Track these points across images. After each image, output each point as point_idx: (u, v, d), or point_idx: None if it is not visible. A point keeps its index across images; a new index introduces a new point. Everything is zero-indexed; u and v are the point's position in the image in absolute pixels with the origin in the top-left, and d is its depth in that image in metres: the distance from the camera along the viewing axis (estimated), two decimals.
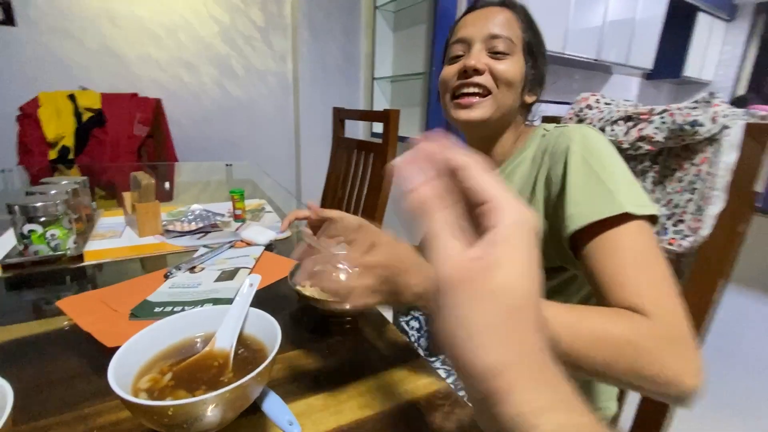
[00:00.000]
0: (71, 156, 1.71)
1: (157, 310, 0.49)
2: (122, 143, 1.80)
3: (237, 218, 0.88)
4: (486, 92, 0.58)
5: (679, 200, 0.70)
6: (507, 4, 0.60)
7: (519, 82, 0.59)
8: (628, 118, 0.76)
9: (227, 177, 1.68)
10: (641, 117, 0.74)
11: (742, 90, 4.13)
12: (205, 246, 0.72)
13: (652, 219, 0.45)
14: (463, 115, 0.59)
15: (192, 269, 0.61)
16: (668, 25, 3.36)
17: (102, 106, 1.76)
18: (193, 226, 0.80)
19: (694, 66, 3.77)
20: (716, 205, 0.67)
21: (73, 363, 0.41)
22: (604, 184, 0.45)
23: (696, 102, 0.69)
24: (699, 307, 0.65)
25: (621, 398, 0.72)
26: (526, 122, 0.67)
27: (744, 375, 0.95)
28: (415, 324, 0.85)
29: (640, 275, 0.40)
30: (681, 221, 0.70)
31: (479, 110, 0.58)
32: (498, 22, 0.58)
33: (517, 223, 0.18)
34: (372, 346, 0.49)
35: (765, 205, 0.83)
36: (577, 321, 0.36)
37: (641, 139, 0.72)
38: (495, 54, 0.57)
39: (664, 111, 0.70)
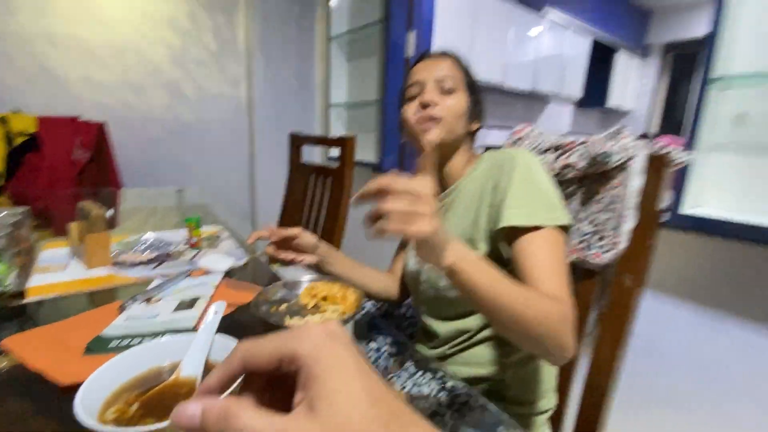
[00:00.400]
0: (1, 183, 1.58)
1: (113, 344, 0.48)
2: (60, 169, 1.69)
3: (193, 246, 0.87)
4: (439, 120, 0.70)
5: (601, 219, 0.81)
6: (448, 54, 0.75)
7: (464, 112, 0.72)
8: (556, 148, 0.86)
9: (178, 203, 1.63)
10: (566, 147, 0.84)
11: (657, 117, 4.69)
12: (160, 276, 0.71)
13: (566, 228, 0.61)
14: (427, 137, 0.70)
15: (148, 300, 0.61)
16: (593, 60, 3.78)
17: (38, 129, 1.66)
18: (146, 256, 0.78)
19: (616, 97, 4.25)
20: (630, 223, 0.78)
21: (24, 404, 0.40)
22: (534, 198, 0.59)
23: (609, 134, 0.80)
24: (622, 313, 0.74)
25: (562, 393, 0.79)
26: (474, 149, 0.80)
27: (666, 370, 1.07)
28: (374, 345, 0.88)
29: (550, 273, 0.55)
30: (603, 237, 0.80)
31: (435, 133, 0.69)
32: (443, 66, 0.72)
33: (312, 355, 0.20)
34: None
35: (675, 222, 0.97)
36: (522, 291, 0.50)
37: (567, 166, 0.82)
38: (444, 91, 0.71)
39: (584, 142, 0.81)
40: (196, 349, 0.38)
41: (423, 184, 0.44)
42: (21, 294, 0.61)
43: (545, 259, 0.56)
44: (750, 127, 0.92)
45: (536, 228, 0.57)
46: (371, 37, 2.05)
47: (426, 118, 0.70)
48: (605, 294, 0.82)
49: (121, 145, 2.03)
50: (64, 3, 1.86)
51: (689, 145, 0.94)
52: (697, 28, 4.15)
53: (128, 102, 2.10)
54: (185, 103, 2.27)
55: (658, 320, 1.07)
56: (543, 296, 0.52)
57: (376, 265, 0.87)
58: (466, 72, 0.75)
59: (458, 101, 0.71)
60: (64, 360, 0.45)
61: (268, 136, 2.48)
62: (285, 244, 0.72)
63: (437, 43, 2.05)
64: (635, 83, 4.58)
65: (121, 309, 0.57)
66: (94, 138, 1.82)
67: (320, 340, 0.22)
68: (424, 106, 0.70)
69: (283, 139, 2.49)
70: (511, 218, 0.58)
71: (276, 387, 0.24)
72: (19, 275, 0.63)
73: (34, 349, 0.47)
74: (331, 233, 1.38)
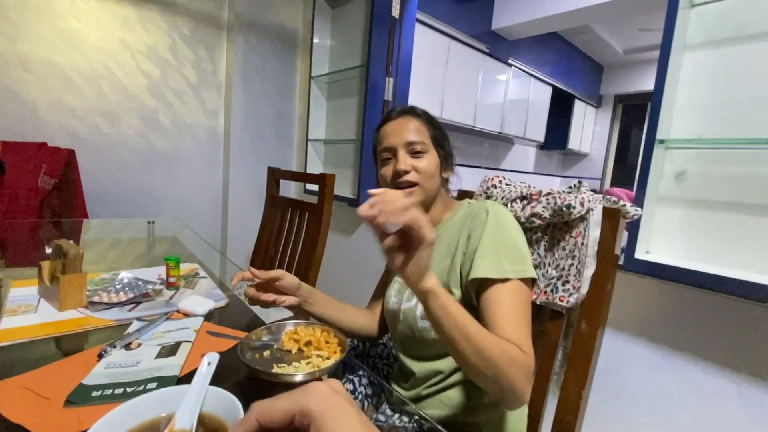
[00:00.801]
0: None
1: (95, 393, 0.48)
2: (21, 197, 1.62)
3: (170, 286, 0.86)
4: (415, 184, 0.75)
5: (565, 264, 0.88)
6: (412, 113, 0.79)
7: (436, 170, 0.77)
8: (523, 198, 0.94)
9: (149, 235, 1.59)
10: (532, 197, 0.92)
11: (611, 160, 5.08)
12: (138, 319, 0.70)
13: (532, 280, 0.67)
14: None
15: (128, 346, 0.60)
16: (553, 107, 4.11)
17: (2, 155, 1.59)
18: (123, 297, 0.76)
19: (575, 140, 4.59)
20: (590, 269, 0.85)
21: None
22: (503, 252, 0.65)
23: (570, 188, 0.89)
24: (586, 351, 0.80)
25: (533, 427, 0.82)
26: (450, 194, 0.87)
27: (624, 405, 1.13)
28: (349, 386, 0.89)
29: (512, 321, 0.60)
30: (567, 281, 0.87)
31: (413, 198, 0.72)
32: (411, 129, 0.76)
33: (321, 410, 0.24)
34: None
35: (630, 267, 1.06)
36: (485, 332, 0.55)
37: (533, 215, 0.90)
38: (414, 154, 0.76)
39: (549, 194, 0.89)
40: (190, 401, 0.39)
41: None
42: None
43: (508, 308, 0.61)
44: (689, 183, 1.04)
45: (503, 280, 0.63)
46: (351, 80, 2.15)
47: (400, 184, 0.75)
48: (569, 335, 0.88)
49: (90, 173, 1.97)
50: (43, 29, 1.84)
51: (638, 198, 1.05)
52: (641, 83, 4.62)
53: (100, 129, 2.06)
54: (160, 132, 2.25)
55: (617, 357, 1.14)
56: (502, 339, 0.56)
57: (351, 300, 0.89)
58: (432, 127, 0.79)
59: (429, 162, 0.76)
60: (44, 412, 0.44)
61: (243, 168, 2.49)
62: (266, 284, 0.73)
63: (413, 88, 2.18)
64: (591, 129, 4.98)
65: (100, 356, 0.56)
66: (62, 165, 1.77)
67: (327, 396, 0.26)
68: (400, 173, 0.74)
69: (258, 171, 2.51)
70: (480, 270, 0.64)
71: None
72: None
73: (11, 401, 0.45)
74: (308, 267, 1.38)
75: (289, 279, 0.76)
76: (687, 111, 1.05)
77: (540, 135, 4.08)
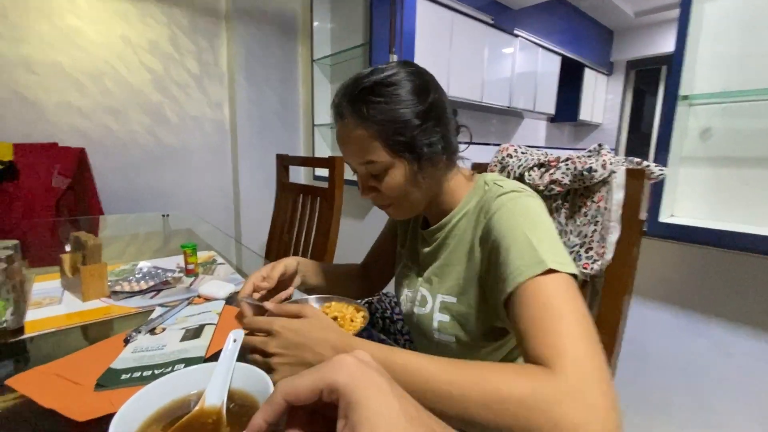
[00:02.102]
0: None
1: (124, 377, 0.48)
2: (38, 197, 1.64)
3: (189, 273, 0.87)
4: (389, 204, 0.63)
5: (587, 231, 0.85)
6: (359, 112, 0.55)
7: (408, 182, 0.58)
8: (540, 165, 0.91)
9: (164, 228, 1.60)
10: (551, 164, 0.89)
11: (624, 129, 4.93)
12: (161, 305, 0.70)
13: (574, 277, 0.47)
14: (388, 215, 0.66)
15: (152, 331, 0.60)
16: (563, 77, 3.98)
17: (15, 157, 1.61)
18: (143, 285, 0.77)
19: (586, 111, 4.46)
20: (614, 234, 0.82)
21: None
22: (531, 245, 0.48)
23: (590, 151, 0.85)
24: (611, 320, 0.78)
25: None
26: (457, 176, 0.66)
27: (654, 373, 1.11)
28: None
29: (550, 326, 0.40)
30: (590, 248, 0.84)
31: (394, 214, 0.65)
32: (357, 145, 0.56)
33: (350, 383, 0.23)
34: None
35: (654, 231, 1.03)
36: (475, 383, 0.37)
37: (552, 182, 0.87)
38: (375, 174, 0.59)
39: (567, 159, 0.86)
40: (218, 378, 0.39)
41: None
42: (20, 330, 0.59)
43: (544, 309, 0.43)
44: (714, 141, 1.00)
45: (541, 274, 0.45)
46: (354, 60, 2.11)
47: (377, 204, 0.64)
48: (594, 304, 0.86)
49: (101, 171, 1.99)
50: (43, 29, 1.84)
51: (661, 159, 1.01)
52: (654, 46, 4.44)
53: (108, 127, 2.07)
54: (167, 126, 2.26)
55: (644, 324, 1.12)
56: (515, 367, 0.39)
57: None
58: (388, 128, 0.55)
59: (393, 180, 0.58)
60: (75, 396, 0.45)
61: (252, 157, 2.48)
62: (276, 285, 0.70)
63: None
64: (603, 98, 4.82)
65: (126, 341, 0.57)
66: (74, 164, 1.78)
67: (355, 368, 0.24)
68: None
69: (266, 159, 2.50)
70: (515, 275, 0.46)
71: (317, 419, 0.26)
72: (14, 311, 0.61)
73: (43, 387, 0.46)
74: (323, 252, 1.38)
75: (289, 265, 0.70)
76: (711, 64, 1.00)
77: (550, 107, 3.97)
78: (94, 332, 0.63)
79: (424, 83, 0.58)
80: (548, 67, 3.79)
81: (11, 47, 1.77)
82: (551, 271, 0.45)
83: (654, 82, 4.71)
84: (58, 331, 0.62)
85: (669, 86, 0.98)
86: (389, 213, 0.65)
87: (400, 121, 0.55)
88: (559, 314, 0.41)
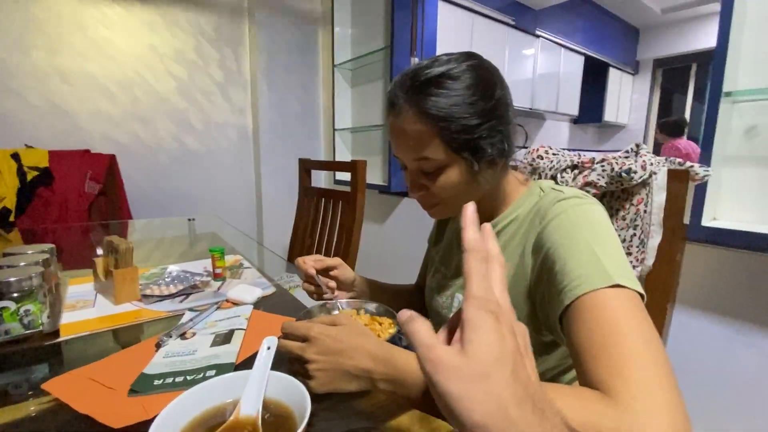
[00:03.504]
0: (12, 218, 1.58)
1: (157, 382, 0.47)
2: (71, 202, 1.70)
3: (217, 277, 0.87)
4: (437, 203, 0.58)
5: (625, 235, 0.81)
6: (419, 104, 0.51)
7: (463, 183, 0.55)
8: (573, 167, 0.87)
9: (190, 232, 1.63)
10: (585, 165, 0.85)
11: (651, 130, 4.77)
12: (190, 309, 0.70)
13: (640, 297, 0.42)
14: (435, 217, 0.62)
15: (183, 335, 0.60)
16: (586, 77, 3.88)
17: (50, 164, 1.67)
18: (173, 289, 0.77)
19: (611, 112, 4.34)
20: (655, 238, 0.78)
21: None
22: (595, 255, 0.43)
23: (627, 152, 0.81)
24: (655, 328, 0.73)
25: None
26: (512, 178, 0.63)
27: (698, 387, 1.05)
28: None
29: (614, 347, 0.36)
30: (629, 253, 0.80)
31: (438, 214, 0.61)
32: (414, 140, 0.53)
33: (479, 309, 0.23)
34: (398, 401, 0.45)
35: (696, 235, 0.97)
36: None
37: (587, 184, 0.83)
38: (427, 173, 0.55)
39: (603, 160, 0.82)
40: (253, 387, 0.38)
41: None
42: (55, 333, 0.60)
43: (601, 329, 0.38)
44: (761, 139, 0.94)
45: (604, 288, 0.40)
46: (375, 64, 2.11)
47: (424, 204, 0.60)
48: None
49: (129, 177, 2.04)
50: (76, 41, 1.91)
51: (704, 159, 0.96)
52: (683, 43, 4.28)
53: (137, 134, 2.13)
54: (192, 132, 2.31)
55: (685, 334, 1.06)
56: (566, 395, 0.34)
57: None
58: (450, 123, 0.51)
59: (447, 181, 0.54)
60: (110, 402, 0.44)
61: (274, 162, 2.51)
62: (323, 274, 0.72)
63: None
64: (629, 98, 4.68)
65: (158, 345, 0.56)
66: (105, 170, 1.84)
67: (484, 300, 0.23)
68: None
69: (288, 164, 2.52)
70: (573, 287, 0.42)
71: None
72: (50, 314, 0.62)
73: (77, 392, 0.46)
74: (345, 256, 1.37)
75: (345, 271, 0.73)
76: (755, 59, 0.94)
77: (573, 108, 3.88)
78: (125, 335, 0.64)
79: (490, 78, 0.53)
80: (571, 67, 3.70)
81: (47, 59, 1.84)
82: (617, 286, 0.40)
83: (683, 81, 4.53)
84: (91, 335, 0.62)
85: (712, 83, 0.93)
86: (432, 212, 0.61)
87: (463, 118, 0.51)
88: (625, 334, 0.36)
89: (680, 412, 0.32)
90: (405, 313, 0.25)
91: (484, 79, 0.52)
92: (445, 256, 0.75)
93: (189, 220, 1.74)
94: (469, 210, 0.27)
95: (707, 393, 1.04)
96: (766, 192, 0.95)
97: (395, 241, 2.20)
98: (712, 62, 0.93)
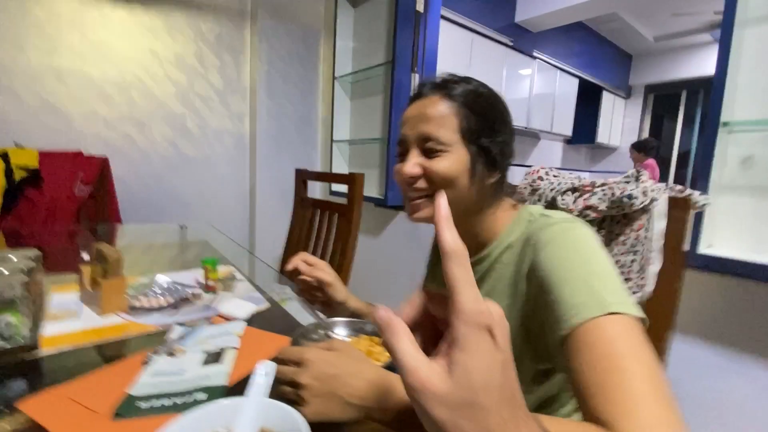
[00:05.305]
0: None
1: (144, 405, 0.45)
2: (60, 204, 1.65)
3: (209, 289, 0.84)
4: (430, 192, 0.57)
5: (625, 261, 0.81)
6: (443, 91, 0.56)
7: (461, 175, 0.55)
8: (574, 190, 0.87)
9: (181, 240, 1.59)
10: (585, 189, 0.85)
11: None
12: (179, 324, 0.67)
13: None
14: (414, 216, 0.59)
15: (171, 353, 0.57)
16: (580, 100, 3.96)
17: (40, 165, 1.63)
18: (163, 302, 0.74)
19: (603, 134, 4.42)
20: (655, 265, 0.78)
21: None
22: (589, 282, 0.43)
23: (627, 177, 0.82)
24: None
25: None
26: (502, 202, 0.62)
27: (693, 410, 1.04)
28: None
29: (615, 380, 0.35)
30: (629, 279, 0.80)
31: (426, 211, 0.57)
32: (431, 117, 0.55)
33: (470, 325, 0.21)
34: None
35: (692, 262, 0.98)
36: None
37: (587, 207, 0.83)
38: (430, 154, 0.55)
39: (604, 184, 0.82)
40: (247, 416, 0.36)
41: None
42: (35, 346, 0.57)
43: (600, 361, 0.37)
44: (757, 169, 0.95)
45: (593, 324, 0.40)
46: (375, 78, 2.12)
47: (412, 190, 0.57)
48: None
49: (122, 180, 2.01)
50: (74, 41, 1.89)
51: (700, 187, 0.97)
52: (674, 71, 4.41)
53: (131, 137, 2.10)
54: (188, 138, 2.28)
55: (680, 362, 1.05)
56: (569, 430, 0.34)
57: (382, 301, 0.85)
58: (470, 113, 0.55)
59: (447, 165, 0.54)
60: (91, 427, 0.42)
61: (269, 171, 2.49)
62: (315, 289, 0.71)
63: None
64: (620, 121, 4.78)
65: (145, 363, 0.54)
66: (97, 173, 1.80)
67: (476, 312, 0.22)
68: (405, 178, 0.57)
69: (283, 173, 2.50)
70: (572, 316, 0.41)
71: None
72: (32, 326, 0.59)
73: (56, 414, 0.43)
74: (339, 269, 1.35)
75: (336, 292, 0.74)
76: (752, 90, 0.96)
77: (567, 129, 3.95)
78: (110, 349, 0.61)
79: (506, 107, 0.62)
80: (566, 89, 3.78)
81: (44, 58, 1.82)
82: (612, 314, 0.40)
83: (673, 107, 4.65)
84: (75, 349, 0.59)
85: (710, 113, 0.94)
86: (416, 208, 0.58)
87: (484, 114, 0.57)
88: (625, 365, 0.36)
89: (662, 415, 0.32)
90: (383, 317, 0.23)
91: (504, 104, 0.61)
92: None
93: (180, 227, 1.71)
94: (442, 203, 0.24)
95: (699, 417, 1.03)
96: (761, 221, 0.96)
97: (390, 255, 2.18)
98: (711, 92, 0.95)
